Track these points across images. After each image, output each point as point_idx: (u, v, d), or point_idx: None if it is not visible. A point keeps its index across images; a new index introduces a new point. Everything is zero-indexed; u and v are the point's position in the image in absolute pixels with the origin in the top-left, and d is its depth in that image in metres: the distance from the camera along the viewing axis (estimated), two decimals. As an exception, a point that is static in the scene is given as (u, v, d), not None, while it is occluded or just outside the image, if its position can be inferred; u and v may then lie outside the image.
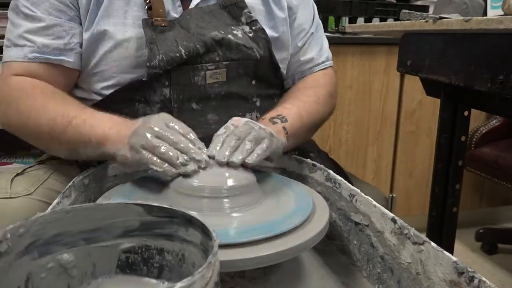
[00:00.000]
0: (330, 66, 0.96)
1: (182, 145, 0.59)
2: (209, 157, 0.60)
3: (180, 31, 0.78)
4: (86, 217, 0.44)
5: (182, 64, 0.76)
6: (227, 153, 0.59)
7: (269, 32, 0.84)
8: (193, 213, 0.43)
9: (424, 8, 2.13)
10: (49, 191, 0.73)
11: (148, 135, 0.59)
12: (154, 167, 0.58)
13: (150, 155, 0.58)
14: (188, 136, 0.60)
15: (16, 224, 0.39)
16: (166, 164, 0.58)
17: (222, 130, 0.65)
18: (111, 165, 0.73)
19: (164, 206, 0.44)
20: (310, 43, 0.93)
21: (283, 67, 0.90)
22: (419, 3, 2.21)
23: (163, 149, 0.58)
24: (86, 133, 0.67)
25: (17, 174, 0.74)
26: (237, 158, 0.59)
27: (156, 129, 0.60)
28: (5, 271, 0.37)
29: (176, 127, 0.61)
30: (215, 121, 0.78)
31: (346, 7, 2.05)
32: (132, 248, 0.46)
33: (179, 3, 0.80)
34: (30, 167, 0.79)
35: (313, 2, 0.97)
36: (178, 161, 0.57)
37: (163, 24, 0.76)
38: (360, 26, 1.65)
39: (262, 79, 0.85)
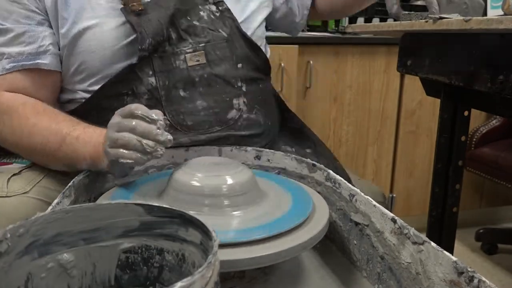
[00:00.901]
0: None
1: (142, 129, 0.58)
2: None
3: (160, 11, 0.78)
4: (86, 217, 0.44)
5: (162, 51, 0.77)
6: None
7: None
8: (193, 213, 0.43)
9: (424, 8, 2.13)
10: (45, 189, 0.74)
11: (110, 133, 0.60)
12: (124, 160, 0.58)
13: (116, 150, 0.59)
14: (151, 117, 0.59)
15: (16, 224, 0.39)
16: (135, 154, 0.58)
17: None
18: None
19: (164, 206, 0.44)
20: None
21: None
22: (419, 3, 2.21)
23: (124, 140, 0.58)
24: (81, 151, 0.67)
25: (14, 174, 0.75)
26: None
27: (116, 121, 0.60)
28: (5, 271, 0.37)
29: (139, 112, 0.60)
30: (204, 107, 0.79)
31: (346, 7, 2.05)
32: (132, 248, 0.46)
33: None
34: (26, 167, 0.79)
35: None
36: (144, 148, 0.58)
37: (140, 8, 0.76)
38: (360, 26, 1.65)
39: (245, 61, 0.85)
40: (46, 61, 0.77)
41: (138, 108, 0.60)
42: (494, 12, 1.30)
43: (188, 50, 0.79)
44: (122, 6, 0.77)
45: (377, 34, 1.80)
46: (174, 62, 0.79)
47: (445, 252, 0.43)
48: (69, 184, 0.62)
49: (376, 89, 1.99)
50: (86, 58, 0.77)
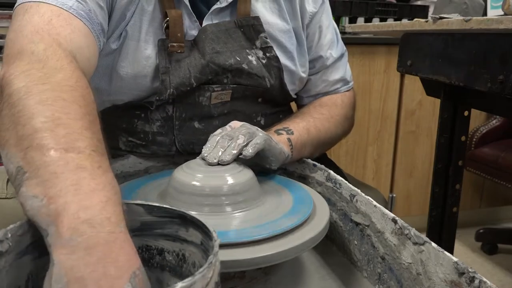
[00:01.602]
0: (352, 88, 0.94)
1: None
2: (202, 158, 0.61)
3: (195, 56, 0.74)
4: (86, 217, 0.43)
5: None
6: (219, 153, 0.60)
7: (289, 44, 0.81)
8: (193, 213, 0.43)
9: (424, 8, 2.13)
10: None
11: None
12: None
13: None
14: None
15: (16, 224, 0.39)
16: None
17: (218, 130, 0.66)
18: (110, 165, 0.73)
19: (165, 206, 0.44)
20: (341, 62, 0.90)
21: (303, 79, 0.86)
22: (419, 3, 2.21)
23: None
24: (63, 187, 0.38)
25: None
26: (228, 155, 0.59)
27: None
28: (6, 271, 0.37)
29: None
30: None
31: (346, 7, 2.06)
32: (132, 248, 0.46)
33: (195, 18, 0.75)
34: None
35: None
36: None
37: (179, 51, 0.72)
38: (360, 26, 1.65)
39: (269, 101, 0.83)
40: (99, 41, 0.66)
41: None
42: (494, 12, 1.30)
43: (216, 89, 0.76)
44: (163, 35, 0.72)
45: (377, 34, 1.80)
46: (198, 97, 0.76)
47: (445, 252, 0.43)
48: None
49: (376, 89, 1.99)
50: (119, 79, 0.73)
